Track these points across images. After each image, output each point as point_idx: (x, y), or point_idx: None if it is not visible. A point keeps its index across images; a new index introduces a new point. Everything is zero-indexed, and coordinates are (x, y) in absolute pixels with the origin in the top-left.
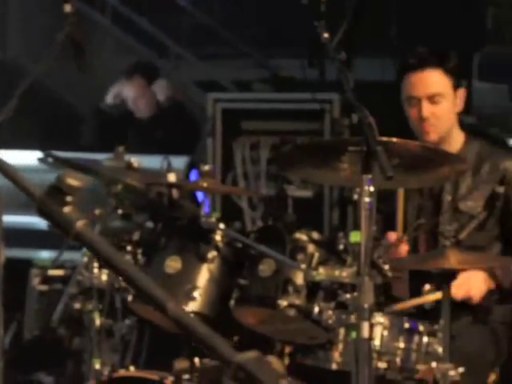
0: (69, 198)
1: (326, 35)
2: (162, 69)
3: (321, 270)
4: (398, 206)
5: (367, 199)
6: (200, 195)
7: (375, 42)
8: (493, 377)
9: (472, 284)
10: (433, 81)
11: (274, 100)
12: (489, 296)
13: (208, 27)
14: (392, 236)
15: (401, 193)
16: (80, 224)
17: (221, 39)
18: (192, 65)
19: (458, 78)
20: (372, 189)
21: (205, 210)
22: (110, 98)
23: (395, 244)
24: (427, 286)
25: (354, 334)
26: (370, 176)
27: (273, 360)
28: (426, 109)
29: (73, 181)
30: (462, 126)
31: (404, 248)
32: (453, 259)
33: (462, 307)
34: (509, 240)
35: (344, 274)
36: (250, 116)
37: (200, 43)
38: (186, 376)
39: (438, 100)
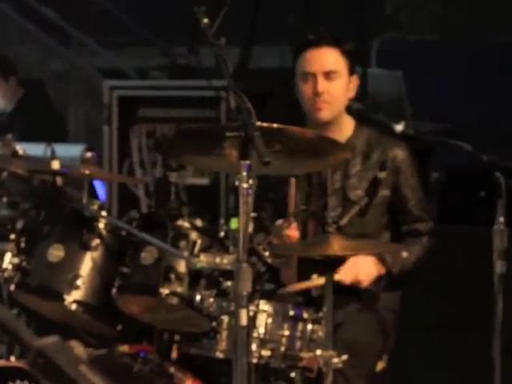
0: None
1: (205, 21)
2: (66, 57)
3: (202, 257)
4: (289, 195)
5: (245, 185)
6: (98, 184)
7: (274, 31)
8: (381, 365)
9: (361, 268)
10: (329, 58)
11: (170, 87)
12: (378, 281)
13: (112, 15)
14: (280, 222)
15: (293, 181)
16: None
17: (124, 27)
18: (95, 52)
19: (354, 64)
20: (250, 174)
21: (101, 198)
22: None
23: (282, 228)
24: (315, 276)
25: (232, 322)
26: (247, 162)
27: (74, 345)
28: (321, 84)
29: None
30: (349, 111)
31: (294, 233)
32: (336, 245)
33: (350, 294)
34: (397, 229)
35: (225, 261)
36: (147, 103)
37: (104, 31)
38: None
39: (333, 77)
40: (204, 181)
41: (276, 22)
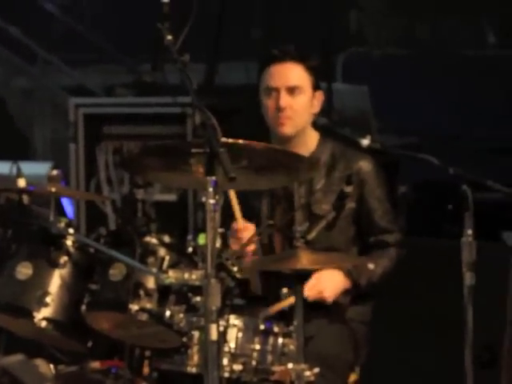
0: None
1: (169, 37)
2: (31, 75)
3: (171, 273)
4: (232, 206)
5: (212, 201)
6: (66, 202)
7: (239, 46)
8: (353, 377)
9: (325, 284)
10: (293, 73)
11: (136, 104)
12: (344, 295)
13: (77, 33)
14: (235, 225)
15: (232, 193)
16: None
17: (90, 45)
18: (60, 70)
19: (318, 79)
20: (217, 190)
21: (69, 215)
22: None
23: (236, 231)
24: (285, 290)
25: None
26: (213, 178)
27: (40, 363)
28: (284, 99)
29: None
30: (315, 126)
31: (247, 233)
32: (304, 259)
33: (318, 307)
34: (364, 242)
35: (193, 276)
36: (113, 121)
37: (69, 49)
38: None
39: (296, 93)
40: (171, 197)
41: (241, 37)
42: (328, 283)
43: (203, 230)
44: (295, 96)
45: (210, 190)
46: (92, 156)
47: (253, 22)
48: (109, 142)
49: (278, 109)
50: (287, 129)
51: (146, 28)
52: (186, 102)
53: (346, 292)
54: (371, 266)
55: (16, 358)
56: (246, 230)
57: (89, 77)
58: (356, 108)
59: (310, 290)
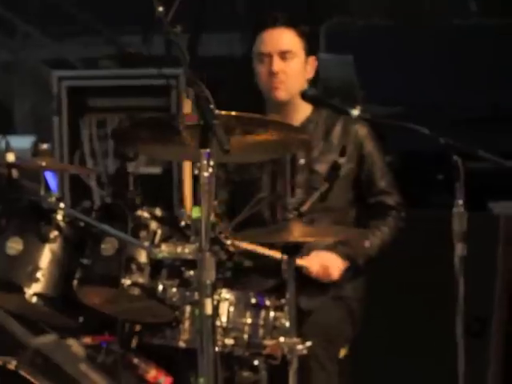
0: None
1: (160, 8)
2: (10, 48)
3: (163, 247)
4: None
5: (205, 173)
6: (49, 176)
7: (223, 18)
8: (343, 351)
9: (328, 262)
10: (285, 38)
11: (120, 76)
12: (344, 274)
13: (56, 5)
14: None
15: (187, 164)
16: None
17: (69, 17)
18: (40, 43)
19: (309, 45)
20: (211, 163)
21: (53, 189)
22: None
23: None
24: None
25: (196, 312)
26: (207, 150)
27: (72, 343)
28: (277, 64)
29: None
30: (305, 97)
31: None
32: (296, 232)
33: (318, 283)
34: (364, 203)
35: (186, 250)
36: (96, 93)
37: (48, 21)
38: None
39: (289, 57)
40: (156, 170)
41: (224, 9)
42: (331, 261)
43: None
44: (288, 60)
45: (204, 162)
46: (76, 129)
47: None
48: (92, 114)
49: (271, 73)
50: (281, 93)
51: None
52: (170, 74)
53: (344, 272)
54: (367, 243)
55: (48, 339)
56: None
57: (69, 49)
58: (341, 78)
59: (312, 261)
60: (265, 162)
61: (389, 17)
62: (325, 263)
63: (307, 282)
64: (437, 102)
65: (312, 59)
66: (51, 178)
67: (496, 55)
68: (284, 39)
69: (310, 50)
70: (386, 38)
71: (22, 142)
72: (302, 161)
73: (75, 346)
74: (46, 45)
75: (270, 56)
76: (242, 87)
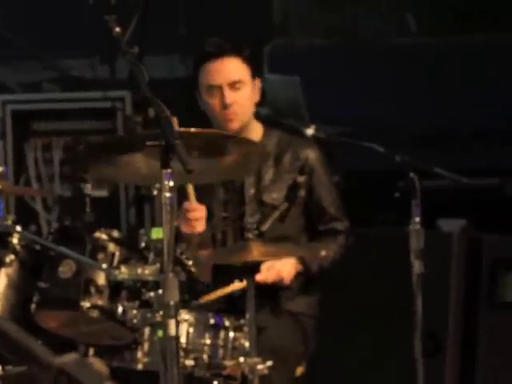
0: None
1: (117, 29)
2: None
3: (123, 268)
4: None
5: (168, 194)
6: None
7: (164, 39)
8: (300, 370)
9: (281, 267)
10: (233, 68)
11: (64, 100)
12: (296, 279)
13: None
14: (186, 204)
15: (190, 188)
16: None
17: (5, 42)
18: None
19: (254, 67)
20: (172, 183)
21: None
22: None
23: (188, 210)
24: (236, 282)
25: (160, 333)
26: (169, 170)
27: (95, 361)
28: (229, 96)
29: None
30: (259, 117)
31: (199, 214)
32: (256, 251)
33: (269, 297)
34: (314, 230)
35: (146, 271)
36: (41, 117)
37: None
38: None
39: (239, 87)
40: (103, 192)
41: (166, 31)
42: (284, 266)
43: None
44: (238, 90)
45: (166, 183)
46: (21, 153)
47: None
48: (37, 138)
49: (224, 106)
50: (235, 124)
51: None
52: (115, 97)
53: (297, 276)
54: (323, 252)
55: (71, 357)
56: (197, 210)
57: (7, 74)
58: (288, 99)
59: (268, 272)
60: (215, 190)
61: (330, 37)
62: (279, 269)
63: (258, 297)
64: (382, 120)
65: (257, 81)
66: None
67: (437, 73)
68: (232, 69)
69: (255, 74)
70: (327, 58)
71: None
72: (251, 191)
73: (98, 364)
74: None
75: (219, 88)
76: (183, 109)
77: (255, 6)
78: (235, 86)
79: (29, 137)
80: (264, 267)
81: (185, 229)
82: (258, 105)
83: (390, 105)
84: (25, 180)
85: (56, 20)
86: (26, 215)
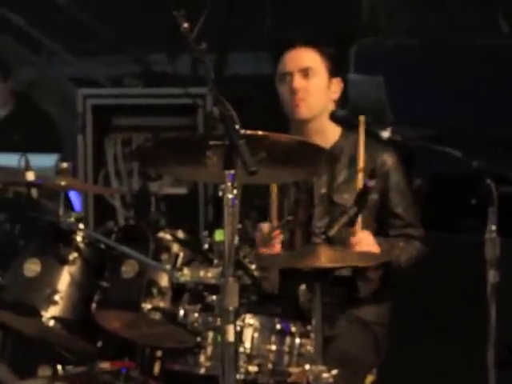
0: None
1: (185, 25)
2: (37, 65)
3: (185, 270)
4: (271, 201)
5: (230, 195)
6: (73, 195)
7: (250, 36)
8: (370, 378)
9: (370, 240)
10: (305, 55)
11: (146, 95)
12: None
13: (82, 23)
14: (265, 227)
15: (274, 187)
16: None
17: (95, 35)
18: (66, 61)
19: (334, 65)
20: (235, 184)
21: (77, 209)
22: None
23: (268, 235)
24: (303, 287)
25: (219, 338)
26: (232, 171)
27: None
28: (298, 81)
29: None
30: (336, 118)
31: (277, 246)
32: (323, 257)
33: (339, 304)
34: (385, 235)
35: (209, 274)
36: (122, 112)
37: (74, 39)
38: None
39: (309, 74)
40: (182, 190)
41: (252, 27)
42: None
43: (216, 225)
44: (309, 78)
45: (229, 184)
46: (100, 148)
47: (264, 12)
48: (117, 133)
49: (292, 91)
50: (302, 110)
51: (154, 17)
52: (196, 93)
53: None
54: (397, 251)
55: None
56: (276, 235)
57: (95, 67)
58: (371, 99)
59: (360, 244)
60: (287, 189)
61: (419, 36)
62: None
63: (329, 304)
64: (467, 124)
65: (337, 80)
66: (75, 198)
67: None
68: (304, 57)
69: (335, 71)
70: (415, 58)
71: (47, 161)
72: (322, 190)
73: None
74: (70, 62)
75: (291, 75)
76: (268, 105)
77: (344, 3)
78: (306, 72)
79: (109, 132)
80: (355, 241)
81: (264, 251)
82: (340, 105)
83: (478, 107)
84: (104, 176)
85: (141, 14)
86: (104, 212)
